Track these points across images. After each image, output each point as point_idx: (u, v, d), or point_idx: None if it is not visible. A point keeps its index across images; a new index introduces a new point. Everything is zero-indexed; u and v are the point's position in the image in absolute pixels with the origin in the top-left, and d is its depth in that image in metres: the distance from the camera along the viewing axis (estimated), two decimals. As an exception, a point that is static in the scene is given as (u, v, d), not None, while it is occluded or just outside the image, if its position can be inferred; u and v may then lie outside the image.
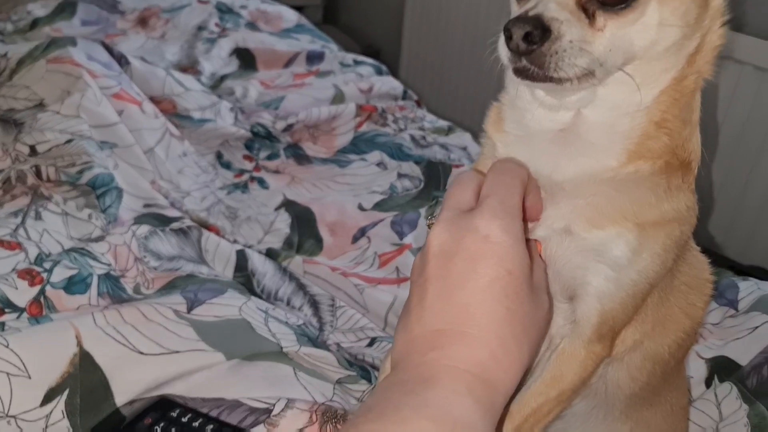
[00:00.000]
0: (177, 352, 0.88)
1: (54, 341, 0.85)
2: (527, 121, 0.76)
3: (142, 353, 0.87)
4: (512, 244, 0.65)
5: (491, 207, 0.67)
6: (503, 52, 0.68)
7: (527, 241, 0.71)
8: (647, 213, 0.74)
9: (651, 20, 0.67)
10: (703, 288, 0.94)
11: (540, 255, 0.77)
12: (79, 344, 0.86)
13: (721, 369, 1.24)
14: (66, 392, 0.83)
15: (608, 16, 0.66)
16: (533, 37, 0.64)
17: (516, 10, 0.72)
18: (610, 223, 0.73)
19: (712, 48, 0.73)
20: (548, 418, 0.83)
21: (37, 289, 0.97)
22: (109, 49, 1.65)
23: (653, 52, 0.69)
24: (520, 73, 0.68)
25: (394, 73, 2.34)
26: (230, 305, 0.99)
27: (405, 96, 2.10)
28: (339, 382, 0.96)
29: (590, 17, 0.66)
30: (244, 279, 1.24)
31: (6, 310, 0.93)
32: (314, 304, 1.28)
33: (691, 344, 1.03)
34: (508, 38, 0.66)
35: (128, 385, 0.84)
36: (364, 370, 1.03)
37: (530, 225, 0.77)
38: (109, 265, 1.06)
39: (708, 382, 1.25)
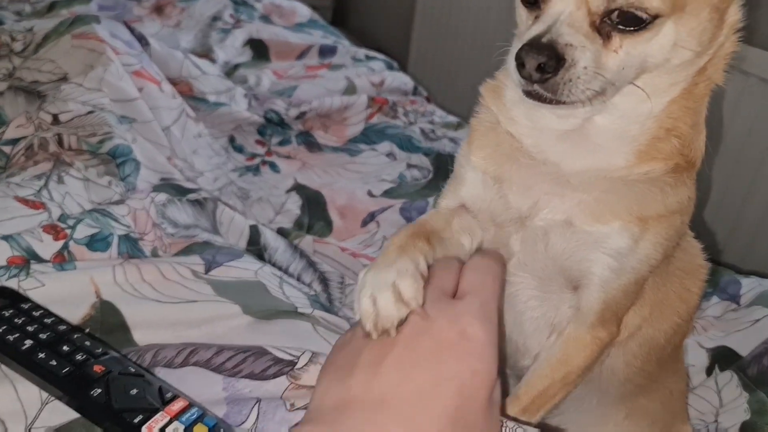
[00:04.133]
0: (194, 301, 0.90)
1: (77, 291, 0.88)
2: (537, 118, 0.76)
3: (159, 301, 0.89)
4: (485, 345, 0.62)
5: (472, 305, 0.64)
6: (514, 75, 0.67)
7: None
8: (652, 208, 0.76)
9: (666, 40, 0.67)
10: (697, 273, 0.96)
11: None
12: (99, 296, 0.89)
13: (722, 358, 1.26)
14: (87, 330, 0.86)
15: (623, 37, 0.66)
16: (547, 68, 0.64)
17: (525, 21, 0.72)
18: (615, 218, 0.74)
19: (724, 55, 0.74)
20: (554, 401, 0.84)
21: (61, 243, 0.99)
22: (130, 29, 1.67)
23: (664, 68, 0.70)
24: (532, 96, 0.68)
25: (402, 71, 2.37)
26: (247, 269, 1.01)
27: (415, 91, 2.13)
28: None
29: (604, 38, 0.66)
30: (257, 252, 1.27)
31: (32, 261, 0.95)
32: (324, 281, 1.30)
33: (687, 331, 1.04)
34: (521, 65, 0.65)
35: (147, 326, 0.87)
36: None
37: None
38: (129, 227, 1.08)
39: (709, 371, 1.27)
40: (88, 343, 0.77)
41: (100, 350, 0.76)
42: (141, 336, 0.86)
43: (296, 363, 0.83)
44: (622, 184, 0.75)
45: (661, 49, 0.68)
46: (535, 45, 0.65)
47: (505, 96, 0.80)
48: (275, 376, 0.82)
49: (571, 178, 0.75)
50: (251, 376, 0.82)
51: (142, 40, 1.67)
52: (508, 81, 0.80)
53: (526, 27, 0.71)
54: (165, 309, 0.88)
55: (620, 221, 0.75)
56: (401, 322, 0.62)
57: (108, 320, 0.86)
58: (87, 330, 0.83)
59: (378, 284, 0.64)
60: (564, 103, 0.67)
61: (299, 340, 0.88)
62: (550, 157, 0.76)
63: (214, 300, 0.92)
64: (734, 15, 0.73)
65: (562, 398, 0.86)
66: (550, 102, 0.67)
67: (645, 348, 0.93)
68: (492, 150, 0.81)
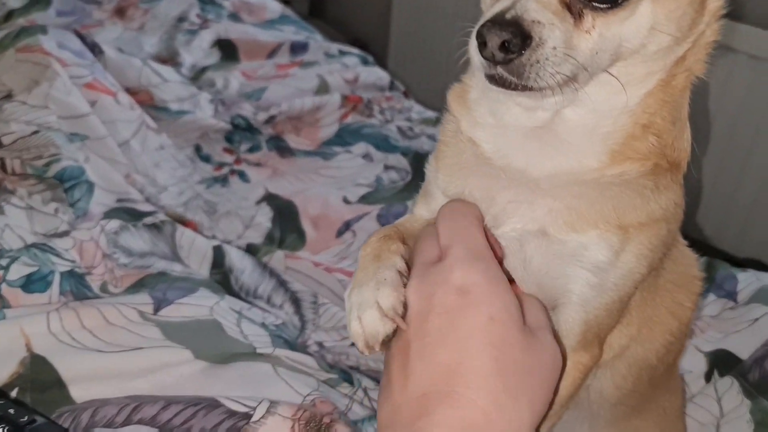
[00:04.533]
0: (139, 348, 0.82)
1: (4, 346, 0.80)
2: (501, 114, 0.69)
3: (100, 351, 0.81)
4: (489, 288, 0.60)
5: (458, 256, 0.62)
6: (476, 57, 0.61)
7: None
8: (632, 215, 0.68)
9: (643, 21, 0.62)
10: (691, 286, 0.89)
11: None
12: (29, 350, 0.81)
13: (721, 363, 1.19)
14: (15, 391, 0.77)
15: (596, 15, 0.60)
16: (512, 47, 0.58)
17: (489, 2, 0.66)
18: (591, 227, 0.68)
19: (705, 45, 0.68)
20: None
21: (-9, 287, 0.91)
22: (82, 38, 1.58)
23: (640, 55, 0.64)
24: (495, 81, 0.61)
25: (382, 65, 2.28)
26: (200, 305, 0.93)
27: (392, 87, 2.04)
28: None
29: (576, 17, 0.60)
30: (221, 276, 1.19)
31: (-42, 310, 0.87)
32: (296, 302, 1.23)
33: (681, 348, 0.97)
34: (482, 44, 0.59)
35: (86, 380, 0.78)
36: (345, 373, 0.97)
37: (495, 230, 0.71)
38: (74, 261, 0.99)
39: (708, 377, 1.20)
40: (11, 410, 0.69)
41: (26, 418, 0.68)
42: (79, 392, 0.78)
43: (252, 415, 0.75)
44: (594, 188, 0.68)
45: (637, 31, 0.62)
46: (498, 21, 0.58)
47: (469, 97, 0.73)
48: (230, 431, 0.74)
49: (540, 183, 0.68)
50: (202, 432, 0.74)
51: (95, 48, 1.58)
52: (474, 81, 0.73)
53: (491, 2, 0.64)
54: (107, 359, 0.81)
55: (597, 230, 0.68)
56: (388, 338, 0.62)
57: (40, 377, 0.78)
58: (14, 392, 0.75)
59: (362, 303, 0.64)
60: (531, 89, 0.60)
61: (257, 386, 0.80)
62: (514, 162, 0.69)
63: (162, 345, 0.84)
64: (716, 1, 0.67)
65: (548, 431, 0.79)
66: (515, 88, 0.61)
67: (635, 369, 0.86)
68: (455, 161, 0.75)
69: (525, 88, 0.60)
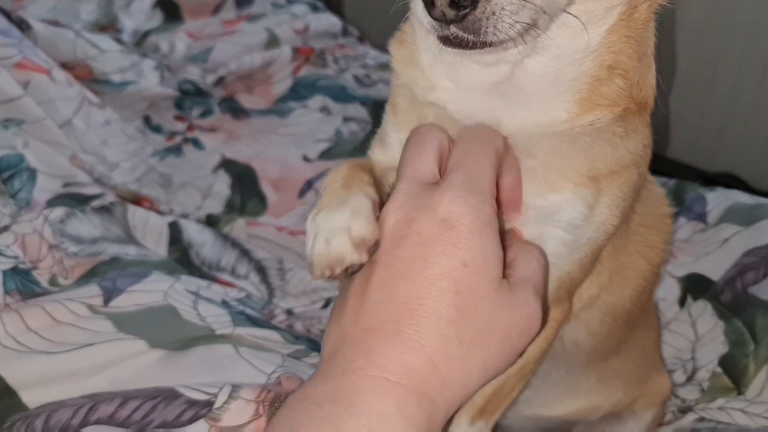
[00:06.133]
0: (91, 345, 0.79)
1: None
2: (460, 77, 0.64)
3: (49, 353, 0.78)
4: (473, 230, 0.54)
5: (456, 184, 0.56)
6: (424, 19, 0.54)
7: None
8: (602, 164, 0.65)
9: None
10: (661, 225, 0.86)
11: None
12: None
13: (694, 286, 1.19)
14: None
15: None
16: (463, 1, 0.51)
17: None
18: (565, 181, 0.64)
19: None
20: (512, 396, 0.76)
21: (-71, 296, 0.86)
22: (6, 14, 1.48)
23: None
24: (450, 42, 0.55)
25: (338, 6, 2.18)
26: (154, 290, 0.90)
27: (345, 32, 1.96)
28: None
29: None
30: (181, 253, 1.15)
31: None
32: (261, 270, 1.20)
33: (654, 288, 0.95)
34: (429, 4, 0.52)
35: (38, 384, 0.76)
36: (313, 342, 0.95)
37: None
38: (17, 257, 0.94)
39: (682, 302, 1.20)
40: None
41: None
42: (32, 397, 0.75)
43: (214, 402, 0.73)
44: (566, 141, 0.64)
45: None
46: None
47: (420, 60, 0.67)
48: (192, 420, 0.72)
49: (513, 140, 0.64)
50: (165, 425, 0.72)
51: (22, 24, 1.49)
52: (423, 42, 0.66)
53: None
54: (57, 360, 0.77)
55: (571, 183, 0.65)
56: (353, 268, 0.57)
57: (-13, 389, 0.74)
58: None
59: (333, 228, 0.58)
60: (491, 44, 0.55)
61: (218, 371, 0.78)
62: (486, 118, 0.64)
63: (115, 338, 0.81)
64: None
65: (521, 391, 0.78)
66: (473, 46, 0.55)
67: (609, 317, 0.84)
68: (416, 117, 0.68)
69: (483, 45, 0.55)
